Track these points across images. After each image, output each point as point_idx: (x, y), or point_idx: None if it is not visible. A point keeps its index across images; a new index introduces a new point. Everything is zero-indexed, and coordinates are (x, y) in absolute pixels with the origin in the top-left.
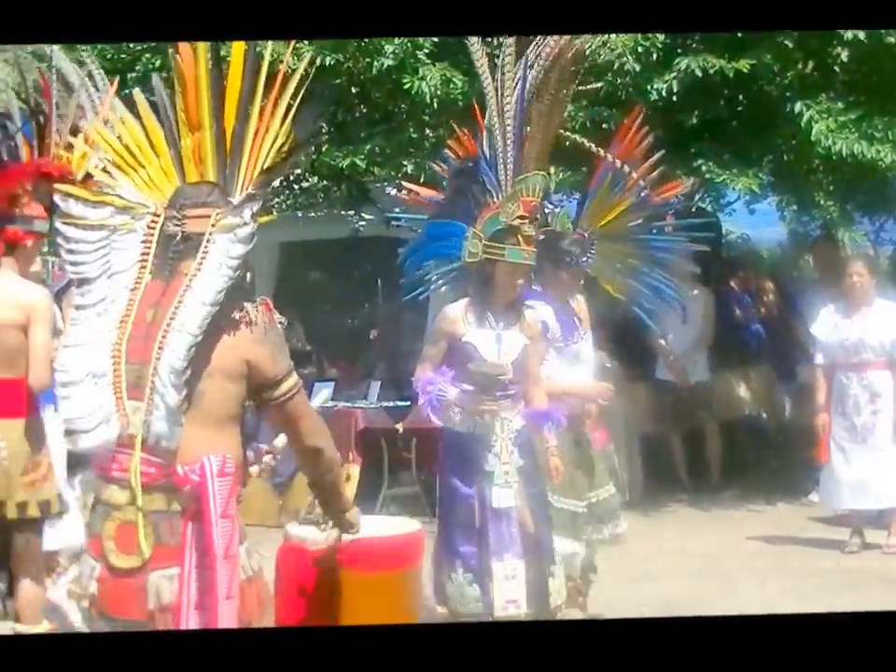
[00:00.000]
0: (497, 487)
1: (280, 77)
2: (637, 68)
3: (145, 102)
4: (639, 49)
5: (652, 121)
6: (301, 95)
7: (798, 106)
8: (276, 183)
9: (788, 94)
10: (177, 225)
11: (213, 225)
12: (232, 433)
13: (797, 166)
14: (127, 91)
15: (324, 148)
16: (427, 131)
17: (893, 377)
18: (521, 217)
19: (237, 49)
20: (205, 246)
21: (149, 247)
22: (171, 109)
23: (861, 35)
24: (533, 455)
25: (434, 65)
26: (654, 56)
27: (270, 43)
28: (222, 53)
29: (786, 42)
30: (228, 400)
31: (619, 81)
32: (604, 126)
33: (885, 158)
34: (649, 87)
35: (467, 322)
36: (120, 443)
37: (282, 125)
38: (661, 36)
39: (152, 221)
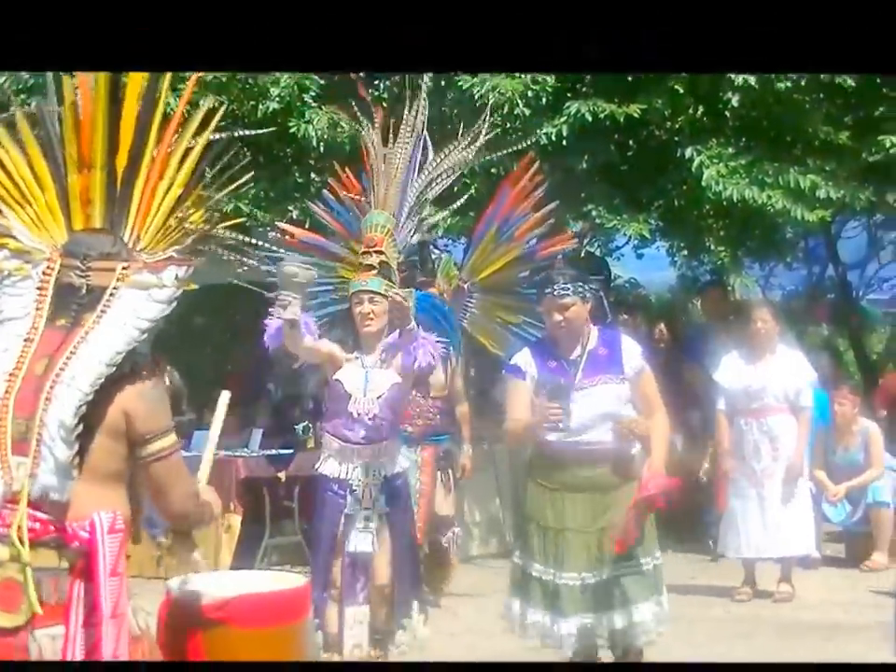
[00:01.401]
0: (356, 532)
1: (175, 122)
2: (527, 112)
3: (30, 130)
4: (529, 94)
5: (542, 166)
6: (201, 143)
7: (689, 151)
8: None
9: (678, 139)
10: (81, 276)
11: (119, 279)
12: (119, 490)
13: (688, 211)
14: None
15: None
16: (313, 175)
17: (796, 423)
18: (364, 253)
19: (133, 87)
20: (107, 300)
21: (45, 295)
22: (58, 143)
23: (752, 79)
24: (404, 505)
25: (321, 108)
26: (544, 100)
27: (165, 86)
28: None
29: (676, 87)
30: (111, 457)
31: (508, 126)
32: (492, 171)
33: (775, 203)
34: (538, 131)
35: (344, 359)
36: (5, 499)
37: (177, 173)
38: (550, 80)
39: (48, 268)
